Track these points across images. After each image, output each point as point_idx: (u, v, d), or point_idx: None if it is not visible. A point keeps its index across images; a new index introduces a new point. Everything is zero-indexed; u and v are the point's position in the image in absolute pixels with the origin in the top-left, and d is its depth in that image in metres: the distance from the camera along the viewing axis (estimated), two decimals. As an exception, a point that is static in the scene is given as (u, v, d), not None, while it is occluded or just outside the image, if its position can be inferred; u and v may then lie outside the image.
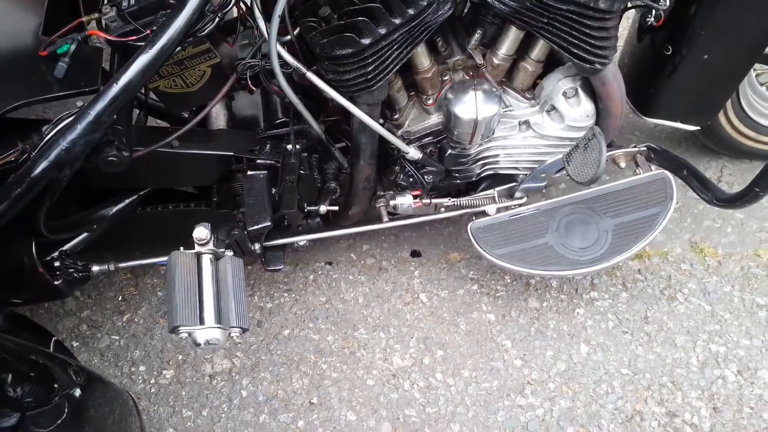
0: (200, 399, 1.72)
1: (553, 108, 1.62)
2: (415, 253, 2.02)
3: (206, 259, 1.21)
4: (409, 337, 1.83)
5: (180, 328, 1.10)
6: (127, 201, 1.58)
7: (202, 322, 1.12)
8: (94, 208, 1.55)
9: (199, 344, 1.11)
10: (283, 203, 1.56)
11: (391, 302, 1.90)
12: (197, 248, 1.21)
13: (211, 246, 1.22)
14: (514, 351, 1.81)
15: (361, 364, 1.78)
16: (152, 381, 1.75)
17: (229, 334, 1.17)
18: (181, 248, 1.21)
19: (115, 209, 1.57)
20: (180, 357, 1.80)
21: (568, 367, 1.78)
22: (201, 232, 1.19)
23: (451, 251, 2.03)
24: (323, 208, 1.63)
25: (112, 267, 1.58)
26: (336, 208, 1.66)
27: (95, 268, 1.57)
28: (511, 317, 1.88)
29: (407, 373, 1.76)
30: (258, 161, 1.57)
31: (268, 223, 1.50)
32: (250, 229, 1.49)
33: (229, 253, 1.26)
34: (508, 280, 1.95)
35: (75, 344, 1.82)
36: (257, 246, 1.56)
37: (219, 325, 1.13)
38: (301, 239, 1.70)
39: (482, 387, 1.74)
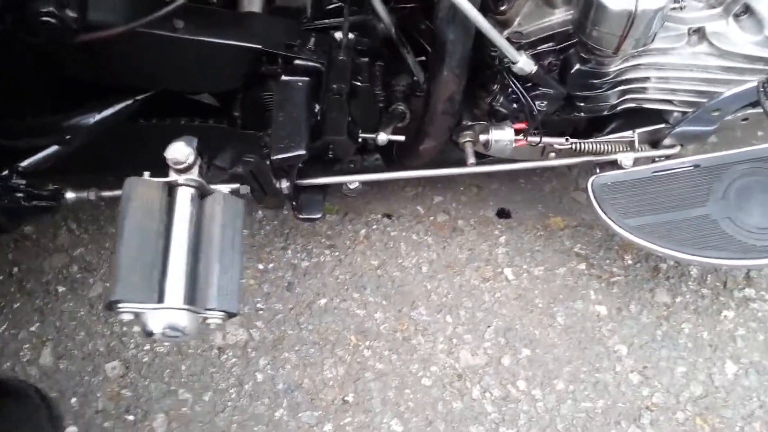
0: (203, 378, 1.31)
1: (747, 10, 1.05)
2: (502, 213, 1.51)
3: (184, 195, 0.75)
4: (485, 325, 1.35)
5: (120, 305, 0.66)
6: (118, 107, 1.14)
7: (161, 298, 0.68)
8: (68, 113, 1.12)
9: (151, 333, 0.67)
10: (328, 125, 1.08)
11: (464, 275, 1.42)
12: (172, 175, 0.75)
13: (194, 174, 0.76)
14: (630, 361, 1.30)
15: (416, 355, 1.32)
16: (146, 347, 1.35)
17: (204, 321, 0.72)
18: (146, 174, 0.76)
19: (99, 116, 1.13)
20: (186, 319, 1.39)
21: (706, 392, 1.26)
22: (178, 150, 0.74)
23: (552, 214, 1.51)
24: (383, 137, 1.14)
25: (92, 195, 1.16)
26: (402, 138, 1.17)
27: (70, 196, 1.15)
28: (630, 313, 1.36)
29: (478, 375, 1.29)
30: (297, 62, 1.09)
31: (302, 152, 1.03)
32: (275, 158, 1.02)
33: (224, 188, 0.80)
34: (629, 261, 1.43)
35: (61, 289, 1.44)
36: (285, 184, 1.10)
37: (188, 306, 0.68)
38: (351, 180, 1.23)
39: (581, 407, 1.25)
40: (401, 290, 1.40)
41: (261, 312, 1.39)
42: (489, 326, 1.35)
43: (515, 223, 1.50)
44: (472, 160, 1.12)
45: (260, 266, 1.45)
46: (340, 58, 0.99)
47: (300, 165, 1.17)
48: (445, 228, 1.50)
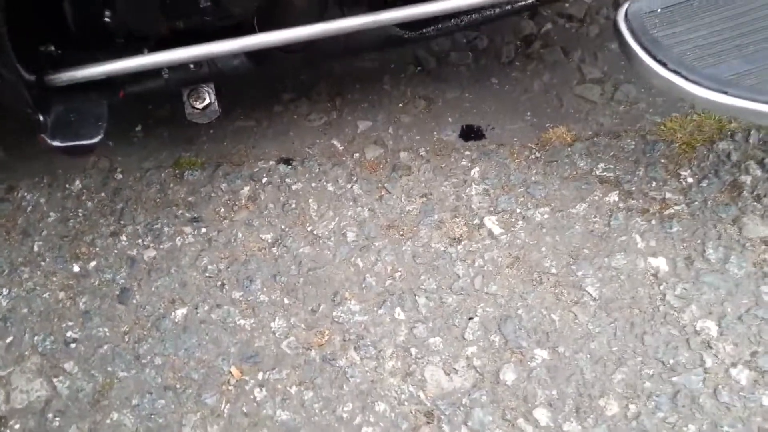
0: (-43, 483, 0.71)
1: None
2: (470, 133, 0.93)
3: None
4: (463, 316, 0.77)
5: None
6: None
7: None
8: None
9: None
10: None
11: (419, 238, 0.84)
12: None
13: None
14: (726, 346, 0.72)
15: (348, 386, 0.73)
16: None
17: None
18: None
19: None
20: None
21: None
22: None
23: (550, 124, 0.93)
24: None
25: None
26: None
27: None
28: (709, 263, 0.78)
29: (462, 409, 0.71)
30: None
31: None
32: None
33: None
34: (689, 179, 0.85)
35: None
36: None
37: None
38: (155, 63, 0.63)
39: (663, 448, 0.67)
40: (314, 276, 0.82)
41: (74, 345, 0.79)
42: (471, 318, 0.77)
43: (492, 146, 0.92)
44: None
45: (75, 268, 0.85)
46: None
47: (54, 50, 0.59)
48: (381, 167, 0.91)
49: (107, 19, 0.58)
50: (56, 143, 0.59)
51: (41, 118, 0.57)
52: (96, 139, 0.59)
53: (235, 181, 0.91)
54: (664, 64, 0.58)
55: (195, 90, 0.77)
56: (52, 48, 0.58)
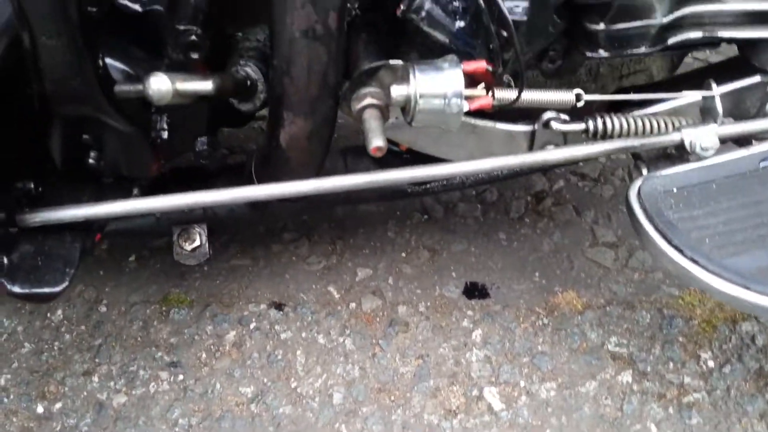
0: None
1: None
2: (474, 290, 0.88)
3: None
4: (453, 508, 0.68)
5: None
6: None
7: None
8: None
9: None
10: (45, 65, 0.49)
11: (412, 407, 0.76)
12: None
13: None
14: None
15: None
16: None
17: None
18: None
19: None
20: None
21: None
22: None
23: (559, 288, 0.88)
24: (160, 83, 0.52)
25: None
26: (206, 88, 0.57)
27: None
28: (736, 466, 0.70)
29: None
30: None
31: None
32: None
33: None
34: (710, 363, 0.78)
35: None
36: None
37: None
38: (126, 210, 0.60)
39: None
40: (291, 443, 0.74)
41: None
42: None
43: (497, 307, 0.86)
44: (378, 142, 0.51)
45: (39, 408, 0.79)
46: None
47: (33, 188, 0.57)
48: (377, 321, 0.86)
49: (92, 161, 0.56)
50: (15, 289, 0.54)
51: (4, 260, 0.54)
52: (60, 288, 0.55)
53: (221, 324, 0.86)
54: (680, 251, 0.53)
55: (185, 230, 0.74)
56: (31, 185, 0.56)
